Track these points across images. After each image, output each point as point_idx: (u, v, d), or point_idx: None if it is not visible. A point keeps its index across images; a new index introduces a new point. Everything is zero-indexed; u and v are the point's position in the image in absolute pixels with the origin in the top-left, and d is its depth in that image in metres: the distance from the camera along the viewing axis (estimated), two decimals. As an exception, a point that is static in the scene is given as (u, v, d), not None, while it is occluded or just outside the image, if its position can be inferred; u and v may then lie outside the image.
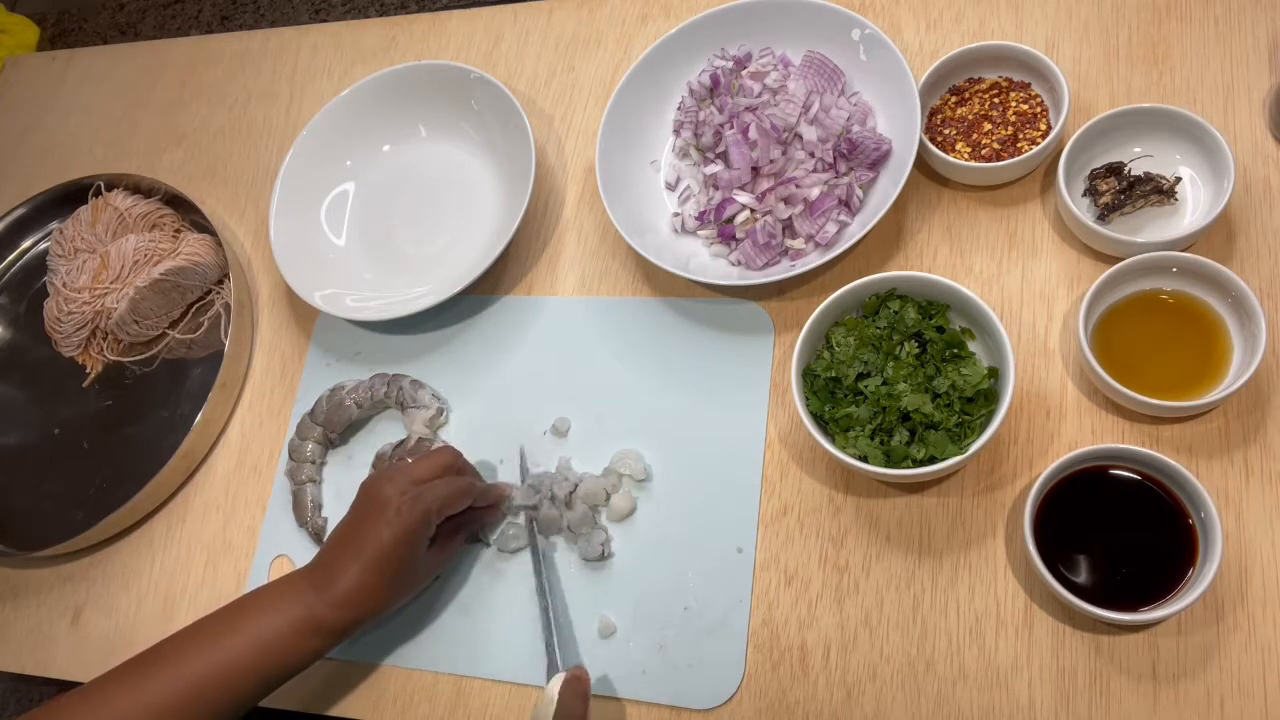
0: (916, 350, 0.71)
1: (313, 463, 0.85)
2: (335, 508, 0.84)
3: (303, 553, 0.84)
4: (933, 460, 0.67)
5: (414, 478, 0.73)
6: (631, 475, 0.77)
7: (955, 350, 0.70)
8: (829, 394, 0.71)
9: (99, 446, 0.95)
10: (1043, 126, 0.77)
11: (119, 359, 0.98)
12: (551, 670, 0.72)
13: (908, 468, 0.67)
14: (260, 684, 0.67)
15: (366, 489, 0.73)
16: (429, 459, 0.75)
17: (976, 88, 0.81)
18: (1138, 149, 0.75)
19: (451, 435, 0.85)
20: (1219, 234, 0.72)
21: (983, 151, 0.78)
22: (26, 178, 1.14)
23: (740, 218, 0.80)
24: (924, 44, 0.87)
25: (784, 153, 0.80)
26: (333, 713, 0.78)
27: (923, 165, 0.81)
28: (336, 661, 0.79)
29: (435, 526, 0.72)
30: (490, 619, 0.77)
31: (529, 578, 0.77)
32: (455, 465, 0.76)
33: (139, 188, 1.02)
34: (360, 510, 0.72)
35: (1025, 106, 0.78)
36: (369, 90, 0.97)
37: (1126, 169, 0.73)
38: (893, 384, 0.69)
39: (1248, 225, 0.72)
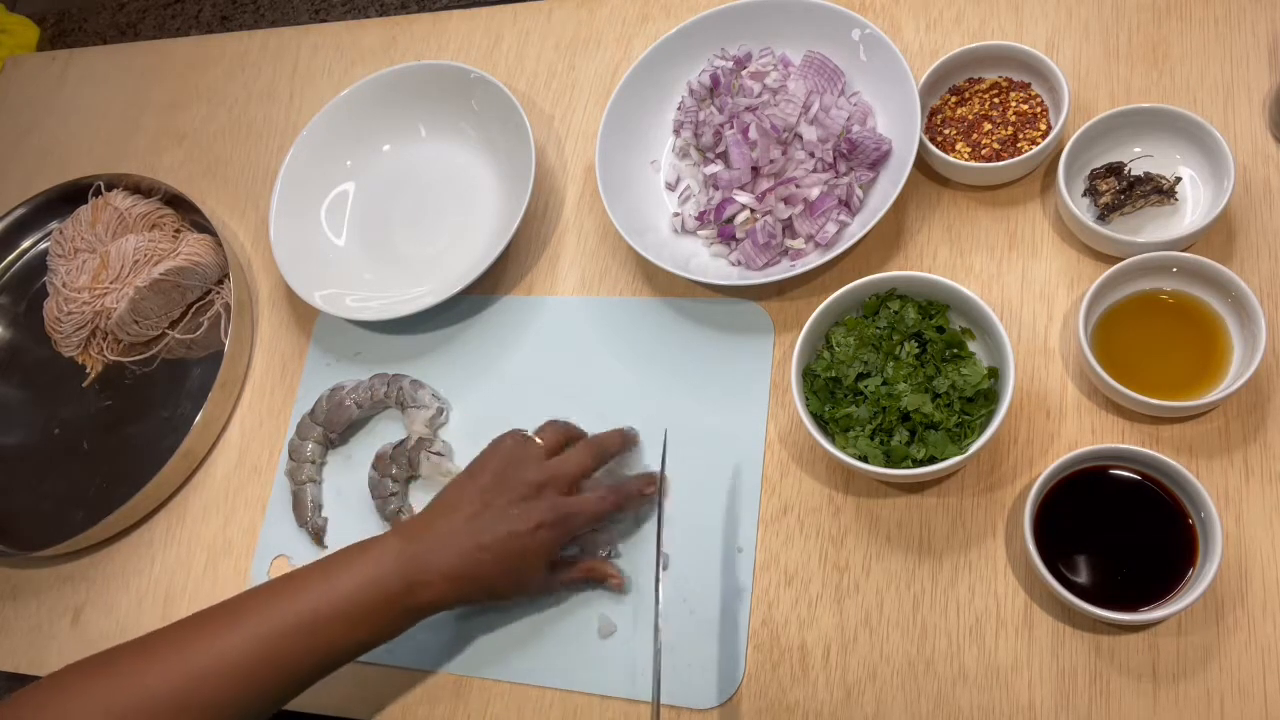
0: (916, 350, 0.71)
1: (313, 463, 0.85)
2: (335, 508, 0.84)
3: (303, 552, 0.83)
4: (933, 460, 0.67)
5: (568, 477, 0.71)
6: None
7: (955, 350, 0.70)
8: (829, 394, 0.71)
9: (99, 446, 0.95)
10: (1043, 126, 0.77)
11: (119, 359, 0.98)
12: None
13: (908, 468, 0.67)
14: (339, 648, 0.64)
15: (497, 463, 0.70)
16: (546, 435, 0.73)
17: (976, 88, 0.81)
18: (1138, 149, 0.75)
19: (451, 435, 0.84)
20: (1219, 234, 0.72)
21: (983, 151, 0.78)
22: (26, 178, 1.14)
23: (740, 218, 0.80)
24: (924, 44, 0.87)
25: (784, 153, 0.80)
26: (333, 713, 0.78)
27: (923, 165, 0.81)
28: (336, 661, 0.79)
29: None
30: (491, 619, 0.77)
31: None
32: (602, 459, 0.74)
33: (139, 188, 1.02)
34: (489, 488, 0.69)
35: (1025, 106, 0.78)
36: (369, 90, 0.96)
37: (1126, 169, 0.73)
38: (893, 384, 0.69)
39: (1248, 225, 0.72)
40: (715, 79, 0.85)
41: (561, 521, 0.69)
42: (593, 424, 0.81)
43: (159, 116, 1.13)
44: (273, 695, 0.63)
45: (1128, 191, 0.72)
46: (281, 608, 0.64)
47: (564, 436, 0.75)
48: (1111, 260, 0.71)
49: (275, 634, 0.63)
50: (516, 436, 0.73)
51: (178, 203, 1.01)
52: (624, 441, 0.77)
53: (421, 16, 1.08)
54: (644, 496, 0.75)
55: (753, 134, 0.79)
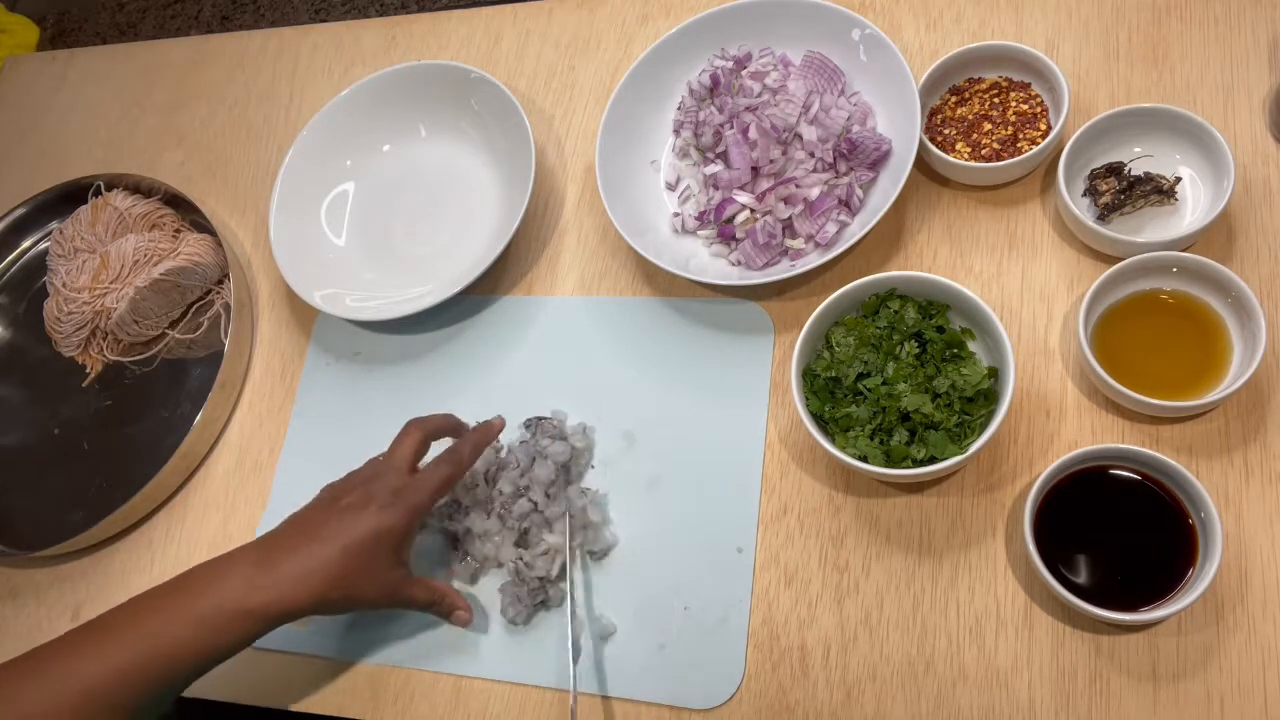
0: (916, 350, 0.71)
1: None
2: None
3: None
4: (933, 460, 0.67)
5: (401, 468, 0.72)
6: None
7: (955, 350, 0.70)
8: (829, 394, 0.71)
9: (99, 446, 0.95)
10: (1043, 126, 0.77)
11: (119, 359, 0.98)
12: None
13: (908, 468, 0.67)
14: (197, 664, 0.66)
15: (352, 476, 0.73)
16: (401, 444, 0.74)
17: (976, 88, 0.81)
18: (1138, 149, 0.75)
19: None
20: (1219, 234, 0.72)
21: (983, 151, 0.78)
22: (26, 178, 1.14)
23: (740, 218, 0.80)
24: (924, 44, 0.87)
25: (784, 153, 0.80)
26: (333, 713, 0.78)
27: (923, 165, 0.81)
28: (337, 661, 0.79)
29: (416, 533, 0.72)
30: (491, 619, 0.77)
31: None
32: (427, 438, 0.75)
33: (139, 188, 1.02)
34: (337, 495, 0.71)
35: (1025, 106, 0.78)
36: (369, 90, 0.97)
37: (1126, 169, 0.73)
38: (893, 384, 0.69)
39: (1248, 225, 0.72)
40: (715, 79, 0.85)
41: (399, 497, 0.69)
42: (592, 425, 0.81)
43: (159, 116, 1.13)
44: (146, 702, 0.65)
45: (1128, 191, 0.72)
46: (140, 630, 0.65)
47: (424, 437, 0.74)
48: (1111, 260, 0.71)
49: (133, 658, 0.64)
50: (376, 458, 0.75)
51: (178, 203, 1.01)
52: (484, 437, 0.76)
53: (421, 16, 1.08)
54: (484, 442, 0.75)
55: (753, 134, 0.79)
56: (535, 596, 0.74)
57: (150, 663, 0.64)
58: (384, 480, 0.71)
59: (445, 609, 0.74)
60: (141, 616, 0.66)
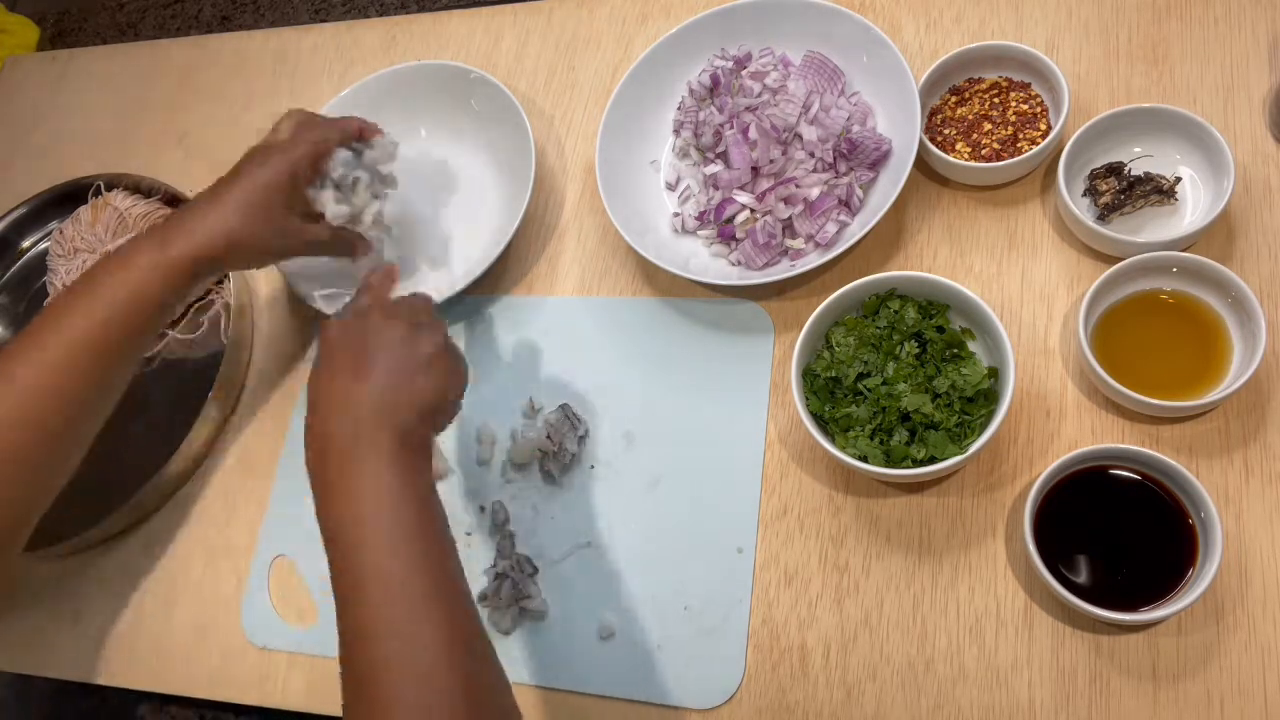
0: (916, 350, 0.71)
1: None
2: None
3: (304, 553, 0.83)
4: (933, 460, 0.67)
5: (280, 134, 0.79)
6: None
7: (955, 350, 0.70)
8: (829, 394, 0.71)
9: (99, 446, 0.94)
10: (1043, 126, 0.77)
11: (119, 359, 0.98)
12: None
13: (908, 468, 0.67)
14: (136, 334, 0.73)
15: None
16: (281, 121, 0.81)
17: (976, 88, 0.81)
18: (1138, 149, 0.75)
19: (450, 434, 0.84)
20: (1219, 234, 0.72)
21: (983, 151, 0.78)
22: (26, 178, 1.14)
23: (740, 218, 0.80)
24: (924, 44, 0.87)
25: (784, 153, 0.80)
26: (333, 713, 0.77)
27: (923, 165, 0.81)
28: (337, 661, 0.79)
29: (312, 171, 0.77)
30: (486, 619, 0.77)
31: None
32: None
33: (139, 188, 1.02)
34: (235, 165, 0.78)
35: (1025, 106, 0.78)
36: (369, 90, 0.96)
37: (1126, 169, 0.73)
38: (893, 384, 0.69)
39: (1248, 225, 0.72)
40: (715, 79, 0.85)
41: (269, 155, 0.76)
42: (592, 424, 0.81)
43: (159, 116, 1.13)
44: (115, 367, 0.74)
45: (1128, 191, 0.72)
46: (77, 318, 0.70)
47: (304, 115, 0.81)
48: (1111, 260, 0.71)
49: (81, 338, 0.70)
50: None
51: (177, 203, 1.00)
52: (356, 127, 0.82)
53: (421, 16, 1.08)
54: (352, 129, 0.81)
55: (753, 134, 0.79)
56: (504, 590, 0.75)
57: (93, 343, 0.71)
58: (263, 143, 0.79)
59: (346, 246, 0.82)
60: (75, 304, 0.71)
